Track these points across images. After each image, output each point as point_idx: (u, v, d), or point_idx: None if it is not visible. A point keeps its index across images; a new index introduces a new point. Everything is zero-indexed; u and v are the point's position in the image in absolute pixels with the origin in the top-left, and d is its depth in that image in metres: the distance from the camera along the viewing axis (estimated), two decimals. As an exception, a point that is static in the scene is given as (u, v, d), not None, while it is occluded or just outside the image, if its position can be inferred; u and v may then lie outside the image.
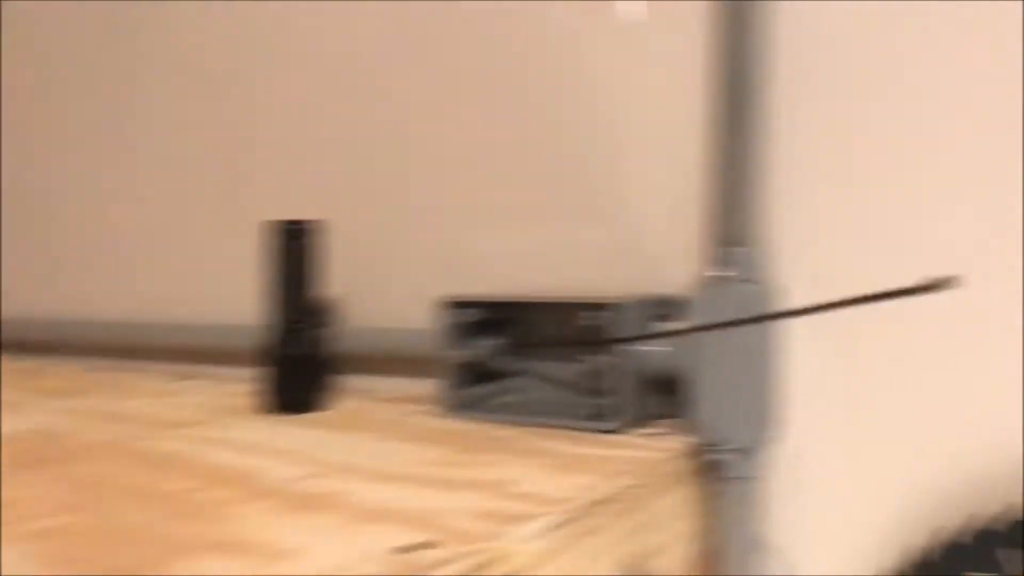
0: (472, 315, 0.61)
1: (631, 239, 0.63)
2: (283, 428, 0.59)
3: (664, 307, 0.59)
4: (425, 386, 0.65)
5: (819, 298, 0.43)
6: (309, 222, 0.64)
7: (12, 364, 1.03)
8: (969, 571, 0.46)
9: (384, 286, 0.76)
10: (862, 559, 0.53)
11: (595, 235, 0.64)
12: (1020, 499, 0.45)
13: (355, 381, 0.75)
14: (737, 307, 0.51)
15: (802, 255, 0.55)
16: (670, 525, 0.51)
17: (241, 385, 0.75)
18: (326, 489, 0.43)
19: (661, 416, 0.59)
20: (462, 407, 0.61)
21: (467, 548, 0.34)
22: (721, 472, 0.53)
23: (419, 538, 0.35)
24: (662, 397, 0.60)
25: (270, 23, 0.85)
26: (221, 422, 0.62)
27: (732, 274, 0.51)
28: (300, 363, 0.64)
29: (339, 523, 0.38)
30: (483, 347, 0.62)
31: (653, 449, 0.51)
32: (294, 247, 0.62)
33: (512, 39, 0.68)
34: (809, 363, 0.55)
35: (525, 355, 0.64)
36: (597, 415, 0.56)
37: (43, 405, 0.71)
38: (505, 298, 0.62)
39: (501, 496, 0.41)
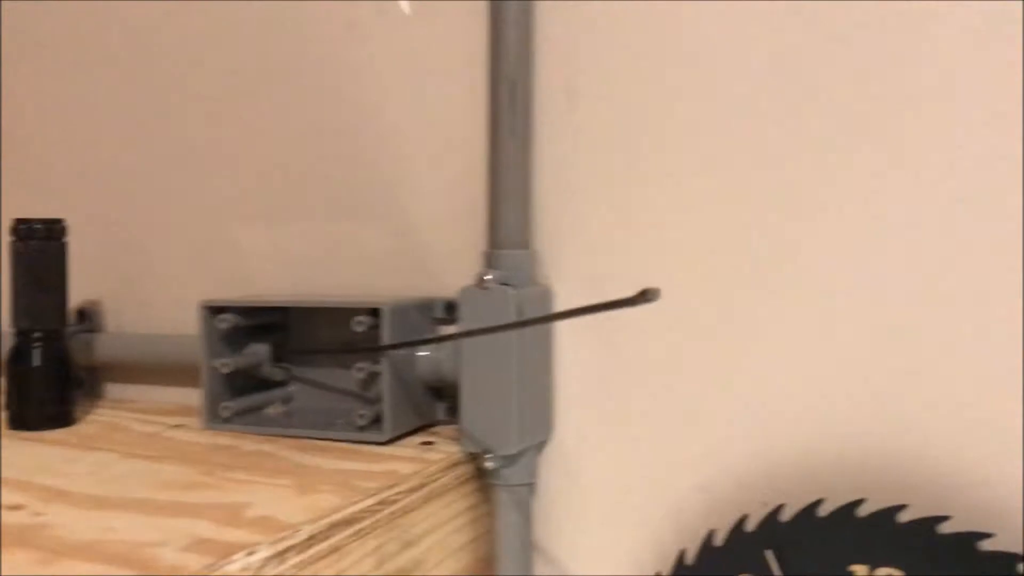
0: (233, 320, 0.56)
1: (414, 240, 0.61)
2: (16, 447, 0.53)
3: (448, 311, 0.58)
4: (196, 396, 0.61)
5: (590, 300, 0.42)
6: (49, 221, 0.58)
7: None
8: (723, 572, 0.47)
9: (155, 290, 0.70)
10: (636, 562, 0.54)
11: (377, 236, 0.62)
12: (779, 499, 0.46)
13: (122, 391, 0.70)
14: (503, 311, 0.50)
15: (571, 257, 0.54)
16: (436, 537, 0.49)
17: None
18: (33, 520, 0.38)
19: (441, 423, 0.57)
20: (225, 420, 0.57)
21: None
22: (492, 479, 0.52)
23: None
24: (443, 404, 0.58)
25: (22, 13, 0.77)
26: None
27: (496, 277, 0.50)
28: (41, 375, 0.57)
29: (33, 561, 0.34)
30: (250, 355, 0.58)
31: (422, 460, 0.50)
32: (32, 248, 0.56)
33: (283, 31, 0.65)
34: (579, 366, 0.54)
35: (297, 362, 0.60)
36: (368, 425, 0.53)
37: None
38: (267, 302, 0.58)
39: (228, 523, 0.38)
